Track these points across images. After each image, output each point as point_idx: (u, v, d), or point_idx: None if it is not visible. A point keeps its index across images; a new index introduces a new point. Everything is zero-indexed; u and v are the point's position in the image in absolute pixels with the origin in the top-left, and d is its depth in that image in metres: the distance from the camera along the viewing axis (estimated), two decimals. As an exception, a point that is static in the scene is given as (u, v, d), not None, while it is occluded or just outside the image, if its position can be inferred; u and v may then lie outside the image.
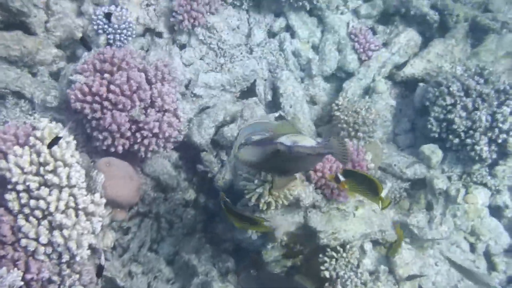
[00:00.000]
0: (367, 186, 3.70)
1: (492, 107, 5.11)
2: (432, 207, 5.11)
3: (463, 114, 5.13)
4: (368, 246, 4.70)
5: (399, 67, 5.75)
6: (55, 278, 3.85)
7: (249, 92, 5.55)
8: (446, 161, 5.33)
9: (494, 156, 5.18)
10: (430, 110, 5.28)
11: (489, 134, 5.09)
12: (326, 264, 4.51)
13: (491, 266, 5.45)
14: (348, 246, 4.54)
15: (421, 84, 5.54)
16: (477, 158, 5.16)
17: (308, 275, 4.79)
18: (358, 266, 4.57)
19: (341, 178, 3.73)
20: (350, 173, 3.77)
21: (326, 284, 4.55)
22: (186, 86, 5.23)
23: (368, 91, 5.62)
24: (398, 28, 5.94)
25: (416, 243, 4.95)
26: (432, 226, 5.00)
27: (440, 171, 5.30)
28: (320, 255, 4.56)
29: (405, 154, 5.39)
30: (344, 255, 4.51)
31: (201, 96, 5.24)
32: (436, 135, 5.27)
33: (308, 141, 3.06)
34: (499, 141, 5.09)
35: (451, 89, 5.18)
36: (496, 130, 5.06)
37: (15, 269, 3.44)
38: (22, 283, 3.39)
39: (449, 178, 5.29)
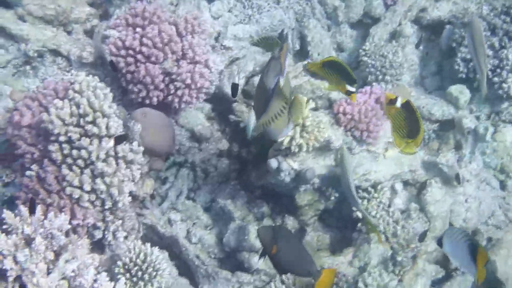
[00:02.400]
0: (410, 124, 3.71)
1: (519, 45, 5.15)
2: (461, 147, 5.18)
3: (490, 53, 5.17)
4: (399, 186, 4.79)
5: (425, 10, 5.78)
6: (99, 224, 4.02)
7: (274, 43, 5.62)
8: (474, 101, 5.39)
9: (522, 93, 5.24)
10: (456, 51, 5.32)
11: (517, 72, 5.15)
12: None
13: (522, 203, 5.54)
14: (379, 187, 4.66)
15: (447, 26, 5.58)
16: (505, 96, 5.22)
17: (338, 217, 4.92)
18: (389, 206, 4.68)
19: (398, 102, 3.69)
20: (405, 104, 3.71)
21: (359, 225, 4.67)
22: (216, 39, 5.32)
23: (395, 35, 5.67)
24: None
25: (447, 182, 5.03)
26: (461, 165, 5.08)
27: (469, 111, 5.36)
28: (352, 196, 4.68)
29: (433, 96, 5.46)
30: (376, 195, 4.63)
31: (231, 48, 5.32)
32: (464, 76, 5.32)
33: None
34: (527, 78, 5.15)
35: (477, 28, 5.22)
36: (524, 67, 5.12)
37: (62, 214, 3.59)
38: (69, 226, 3.54)
39: (478, 117, 5.36)
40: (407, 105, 3.70)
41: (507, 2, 5.49)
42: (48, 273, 3.31)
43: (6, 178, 4.24)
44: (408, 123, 3.69)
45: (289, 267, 3.70)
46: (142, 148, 4.02)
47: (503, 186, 5.41)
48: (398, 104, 3.69)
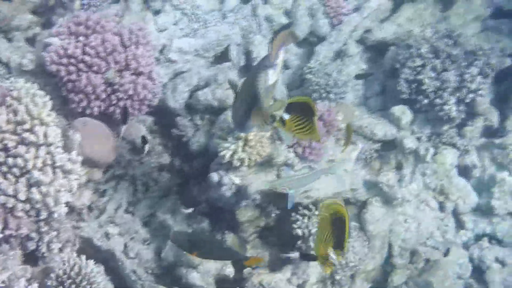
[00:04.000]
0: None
1: (460, 68, 5.22)
2: (402, 167, 5.22)
3: (433, 74, 5.25)
4: (339, 204, 4.78)
5: (370, 31, 5.83)
6: (33, 235, 3.92)
7: (222, 57, 5.60)
8: (416, 122, 5.44)
9: (463, 116, 5.32)
10: (400, 72, 5.38)
11: (458, 94, 5.21)
12: (298, 222, 4.61)
13: (460, 225, 5.60)
14: (320, 204, 4.64)
15: (391, 47, 5.64)
16: (446, 118, 5.29)
17: (278, 235, 4.90)
18: (330, 224, 4.67)
19: (285, 116, 3.52)
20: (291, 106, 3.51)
21: (299, 242, 4.65)
22: (161, 51, 5.28)
23: (340, 54, 5.71)
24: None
25: (386, 201, 5.05)
26: (402, 185, 5.12)
27: (410, 132, 5.41)
28: (293, 214, 4.66)
29: (376, 116, 5.49)
30: (316, 213, 4.61)
31: (176, 61, 5.29)
32: (406, 97, 5.38)
33: None
34: (467, 100, 5.23)
35: (420, 50, 5.30)
36: (464, 90, 5.20)
37: (-7, 223, 3.50)
38: (0, 235, 3.45)
39: (419, 139, 5.41)
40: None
41: (450, 26, 5.59)
42: (-23, 283, 3.21)
43: None
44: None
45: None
46: (80, 158, 3.95)
47: (441, 207, 5.47)
48: (285, 116, 3.52)
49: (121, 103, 4.58)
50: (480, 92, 5.26)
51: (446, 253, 5.29)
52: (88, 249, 4.61)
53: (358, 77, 5.18)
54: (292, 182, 4.04)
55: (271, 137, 4.43)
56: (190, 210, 4.68)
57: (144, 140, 4.38)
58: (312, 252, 4.50)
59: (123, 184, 5.01)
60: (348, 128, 4.42)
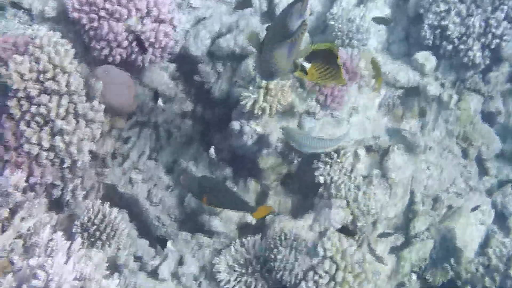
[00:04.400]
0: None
1: (486, 13, 5.13)
2: (425, 114, 5.18)
3: (457, 20, 5.15)
4: (361, 152, 4.78)
5: (394, -25, 5.73)
6: (58, 182, 3.97)
7: (244, 2, 5.54)
8: (440, 68, 5.37)
9: (487, 62, 5.23)
10: (424, 17, 5.29)
11: (483, 40, 5.13)
12: (320, 170, 4.63)
13: (483, 171, 5.59)
14: (342, 152, 4.65)
15: (415, -9, 5.55)
16: (470, 64, 5.21)
17: (300, 182, 4.93)
18: (351, 171, 4.68)
19: (306, 65, 3.55)
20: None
21: (320, 189, 4.68)
22: (182, -3, 5.24)
23: (363, 0, 5.62)
24: None
25: (409, 149, 5.04)
26: (424, 132, 5.09)
27: (434, 78, 5.35)
28: (314, 161, 4.67)
29: (399, 63, 5.43)
30: (338, 160, 4.62)
31: (197, 7, 5.24)
32: (430, 43, 5.29)
33: None
34: (492, 46, 5.14)
35: (446, -5, 5.21)
36: (490, 35, 5.10)
37: (19, 171, 3.54)
38: (25, 183, 3.48)
39: (443, 85, 5.35)
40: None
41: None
42: (3, 230, 3.26)
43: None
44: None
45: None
46: (102, 107, 3.97)
47: (465, 154, 5.44)
48: (306, 65, 3.50)
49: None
50: (505, 37, 5.15)
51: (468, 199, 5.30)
52: (112, 195, 4.68)
53: (376, 20, 5.09)
54: (304, 139, 4.03)
55: (293, 85, 4.41)
56: (213, 154, 4.70)
57: (156, 95, 4.40)
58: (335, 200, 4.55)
59: (146, 131, 5.04)
60: (374, 63, 4.40)
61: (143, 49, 4.35)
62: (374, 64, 4.52)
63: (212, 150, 4.65)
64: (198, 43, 5.04)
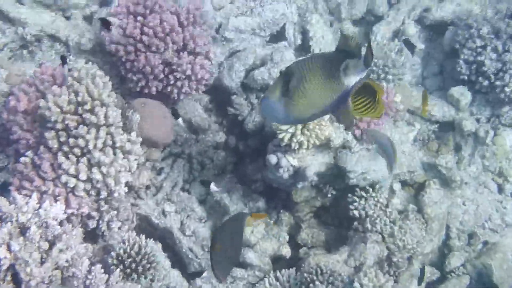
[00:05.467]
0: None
1: (523, 49, 5.13)
2: (460, 149, 5.15)
3: (493, 56, 5.15)
4: (397, 186, 4.76)
5: (429, 10, 5.73)
6: (94, 213, 3.97)
7: (278, 36, 5.57)
8: (475, 103, 5.37)
9: (524, 98, 5.22)
10: (459, 53, 5.29)
11: (519, 76, 5.13)
12: (355, 204, 4.60)
13: (519, 206, 5.53)
14: (377, 186, 4.62)
15: (450, 27, 5.54)
16: (506, 100, 5.19)
17: (334, 215, 4.90)
18: (387, 206, 4.64)
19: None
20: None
21: (355, 223, 4.64)
22: (217, 30, 5.26)
23: (398, 34, 5.63)
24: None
25: (445, 184, 4.99)
26: (460, 167, 5.05)
27: (469, 114, 5.34)
28: (349, 195, 4.64)
29: (434, 97, 5.42)
30: (374, 194, 4.59)
31: (232, 40, 5.28)
32: (465, 78, 5.29)
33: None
34: (529, 82, 5.13)
35: (481, 31, 5.19)
36: (526, 71, 5.10)
37: (58, 203, 3.54)
38: (64, 216, 3.49)
39: (478, 120, 5.33)
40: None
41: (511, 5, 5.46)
42: (42, 262, 3.26)
43: (-1, 163, 4.18)
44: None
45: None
46: (140, 139, 3.97)
47: (500, 189, 5.40)
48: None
49: (179, 83, 4.59)
50: (542, 74, 5.15)
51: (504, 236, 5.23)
52: (145, 226, 4.67)
53: (406, 42, 5.10)
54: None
55: (330, 119, 4.40)
56: (215, 189, 4.70)
57: (175, 113, 4.41)
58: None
59: (180, 162, 5.04)
60: (424, 95, 4.38)
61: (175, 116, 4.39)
62: (424, 95, 4.50)
63: (213, 185, 4.64)
64: (232, 75, 5.06)
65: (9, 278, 3.19)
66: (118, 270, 3.60)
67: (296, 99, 2.90)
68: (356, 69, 2.91)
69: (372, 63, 5.06)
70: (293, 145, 4.20)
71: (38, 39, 4.80)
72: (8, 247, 3.15)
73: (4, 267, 3.14)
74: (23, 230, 3.27)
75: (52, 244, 3.37)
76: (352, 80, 2.95)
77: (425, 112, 4.55)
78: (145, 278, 3.90)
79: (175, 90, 4.65)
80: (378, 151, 4.08)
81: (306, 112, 3.04)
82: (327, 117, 4.33)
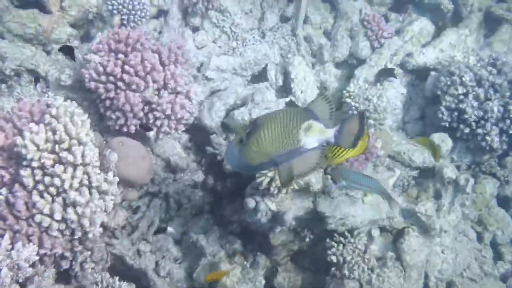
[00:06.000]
0: None
1: (504, 98, 5.14)
2: (440, 196, 5.13)
3: (475, 104, 5.17)
4: (375, 232, 4.72)
5: (411, 55, 5.75)
6: (67, 254, 3.89)
7: (260, 76, 5.56)
8: (456, 150, 5.37)
9: (505, 147, 5.22)
10: (441, 99, 5.31)
11: (501, 125, 5.12)
12: (333, 249, 4.54)
13: (498, 256, 5.50)
14: (355, 232, 4.58)
15: (432, 73, 5.56)
16: (487, 148, 5.21)
17: (312, 259, 4.84)
18: (365, 252, 4.60)
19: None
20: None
21: (333, 269, 4.59)
22: (198, 69, 5.25)
23: (380, 78, 5.63)
24: (411, 16, 5.95)
25: (424, 231, 4.96)
26: (440, 215, 5.03)
27: (449, 160, 5.33)
28: (328, 240, 4.60)
29: (414, 143, 5.41)
30: (352, 240, 4.54)
31: (213, 79, 5.26)
32: (447, 124, 5.29)
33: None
34: (511, 132, 5.13)
35: (463, 78, 5.21)
36: (508, 121, 5.11)
37: (30, 243, 3.46)
38: (37, 257, 3.40)
39: (458, 167, 5.32)
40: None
41: (494, 53, 5.49)
42: (12, 305, 3.18)
43: (-28, 199, 4.07)
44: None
45: None
46: (117, 179, 3.90)
47: (480, 238, 5.38)
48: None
49: (158, 122, 4.55)
50: (524, 123, 5.18)
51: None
52: (120, 266, 4.59)
53: (383, 72, 5.12)
54: (352, 175, 3.98)
55: (309, 164, 4.37)
56: (172, 230, 4.67)
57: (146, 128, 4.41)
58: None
59: (156, 201, 4.98)
60: (431, 143, 4.40)
61: (147, 130, 4.35)
62: (432, 145, 4.55)
63: (170, 229, 4.60)
64: (213, 115, 5.04)
65: (-23, 321, 3.11)
66: (89, 316, 3.52)
67: (249, 145, 2.95)
68: (319, 136, 3.00)
69: (354, 108, 5.09)
70: (271, 189, 4.15)
71: (18, 74, 4.74)
72: (-23, 290, 3.07)
73: (-27, 311, 3.05)
74: (-6, 272, 3.18)
75: (23, 286, 3.29)
76: (310, 142, 3.03)
77: (438, 159, 4.59)
78: (118, 321, 3.82)
79: (154, 129, 4.60)
80: (350, 186, 4.04)
81: (255, 160, 3.11)
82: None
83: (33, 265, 3.42)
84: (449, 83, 5.25)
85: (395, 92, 5.56)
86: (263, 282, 4.69)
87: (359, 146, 3.57)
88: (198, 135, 5.19)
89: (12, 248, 3.32)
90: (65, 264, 3.95)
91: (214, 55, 5.33)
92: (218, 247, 4.81)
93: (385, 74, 5.37)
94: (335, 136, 3.07)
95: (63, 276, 4.03)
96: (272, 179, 4.13)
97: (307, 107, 3.04)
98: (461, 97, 5.20)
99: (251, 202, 4.36)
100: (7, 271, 3.17)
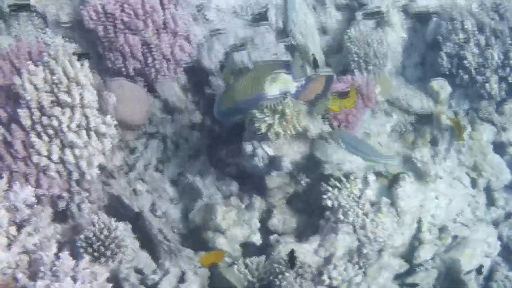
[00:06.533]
0: None
1: (505, 45, 5.11)
2: (437, 143, 5.14)
3: (476, 50, 5.13)
4: (371, 177, 4.73)
5: (414, -1, 5.67)
6: (64, 194, 3.92)
7: (260, 19, 5.50)
8: (454, 97, 5.36)
9: (503, 94, 5.21)
10: (442, 45, 5.26)
11: (500, 72, 5.11)
12: (328, 193, 4.58)
13: (491, 201, 5.55)
14: (351, 177, 4.61)
15: (434, 18, 5.50)
16: (486, 95, 5.19)
17: (306, 203, 4.89)
18: (360, 197, 4.63)
19: None
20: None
21: (327, 213, 4.63)
22: (198, 9, 5.18)
23: (381, 22, 5.57)
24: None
25: (419, 177, 4.99)
26: (435, 161, 5.04)
27: (448, 107, 5.33)
28: (323, 184, 4.63)
29: (413, 88, 5.40)
30: (347, 185, 4.57)
31: (213, 20, 5.19)
32: (447, 71, 5.27)
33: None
34: (510, 79, 5.12)
35: (465, 24, 5.16)
36: (508, 68, 5.08)
37: (28, 185, 3.49)
38: (34, 199, 3.43)
39: (456, 113, 5.32)
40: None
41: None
42: (9, 245, 3.21)
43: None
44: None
45: None
46: (115, 122, 3.91)
47: (474, 184, 5.41)
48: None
49: (157, 64, 4.53)
50: (524, 71, 5.16)
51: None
52: (116, 205, 4.64)
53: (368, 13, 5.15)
54: (351, 141, 4.04)
55: (307, 110, 4.37)
56: None
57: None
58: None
59: (154, 142, 4.99)
60: (457, 123, 4.46)
61: None
62: (456, 122, 4.72)
63: None
64: (212, 57, 5.00)
65: (-26, 262, 3.15)
66: (86, 256, 3.56)
67: (225, 92, 3.17)
68: (282, 86, 3.18)
69: (354, 53, 5.07)
70: (270, 135, 4.15)
71: (15, 11, 4.68)
72: (-25, 231, 3.10)
73: (-30, 252, 3.09)
74: (-9, 214, 3.21)
75: (20, 227, 3.32)
76: (271, 91, 3.21)
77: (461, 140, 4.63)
78: (114, 261, 3.86)
79: (153, 71, 4.59)
80: (348, 149, 4.08)
81: (225, 105, 3.29)
82: (305, 107, 4.30)
83: (30, 206, 3.46)
84: (450, 28, 5.20)
85: (396, 36, 5.51)
86: (258, 224, 4.74)
87: (344, 101, 3.75)
88: (197, 76, 5.16)
89: (9, 189, 3.35)
90: (62, 204, 3.99)
91: (214, -6, 5.25)
92: (214, 189, 4.84)
93: (372, 15, 5.33)
94: (296, 89, 3.23)
95: (59, 215, 4.08)
96: (270, 125, 4.13)
97: (288, 60, 3.23)
98: (462, 43, 5.16)
99: (248, 147, 4.37)
100: (4, 212, 3.20)
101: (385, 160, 4.46)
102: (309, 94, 3.49)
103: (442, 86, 5.24)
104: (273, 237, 4.68)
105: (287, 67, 3.83)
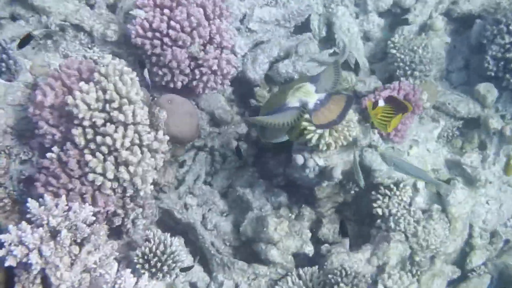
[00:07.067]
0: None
1: (553, 46, 5.07)
2: (485, 147, 5.11)
3: (520, 53, 5.10)
4: (421, 184, 4.71)
5: (456, 3, 5.63)
6: (119, 211, 3.96)
7: (303, 27, 5.51)
8: (501, 100, 5.31)
9: (551, 98, 5.19)
10: (487, 48, 5.22)
11: (549, 74, 5.08)
12: (379, 202, 4.57)
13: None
14: (401, 185, 4.59)
15: (478, 20, 5.46)
16: (533, 98, 5.17)
17: (355, 211, 4.88)
18: (410, 204, 4.62)
19: (381, 103, 3.97)
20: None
21: (378, 221, 4.62)
22: (241, 21, 5.21)
23: (425, 28, 5.55)
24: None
25: (469, 182, 4.96)
26: (485, 166, 5.01)
27: (495, 110, 5.29)
28: (373, 192, 4.62)
29: (459, 92, 5.37)
30: (397, 193, 4.56)
31: (256, 31, 5.21)
32: (493, 74, 5.22)
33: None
34: (558, 83, 5.09)
35: (510, 27, 5.11)
36: (556, 70, 5.05)
37: (86, 204, 3.52)
38: (94, 218, 3.46)
39: (503, 117, 5.28)
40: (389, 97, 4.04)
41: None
42: (71, 264, 3.25)
43: (23, 155, 4.13)
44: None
45: None
46: (167, 137, 3.93)
47: (525, 189, 5.36)
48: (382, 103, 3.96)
49: (205, 78, 4.56)
50: None
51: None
52: (168, 220, 4.69)
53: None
54: (400, 164, 4.03)
55: (357, 118, 4.36)
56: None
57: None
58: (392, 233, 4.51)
59: (202, 155, 5.02)
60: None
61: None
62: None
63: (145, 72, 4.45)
64: (256, 68, 5.03)
65: (38, 281, 3.19)
66: (147, 273, 3.61)
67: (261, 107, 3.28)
68: (303, 97, 3.22)
69: (399, 60, 5.05)
70: (320, 146, 4.15)
71: (62, 29, 4.74)
72: (40, 251, 3.14)
73: (35, 272, 3.13)
74: (54, 233, 3.25)
75: (80, 246, 3.36)
76: (292, 101, 3.25)
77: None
78: (170, 276, 3.90)
79: (201, 85, 4.62)
80: (397, 170, 4.09)
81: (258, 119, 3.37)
82: (356, 117, 4.29)
83: (89, 225, 3.49)
84: (495, 31, 5.16)
85: (439, 41, 5.48)
86: (310, 235, 4.74)
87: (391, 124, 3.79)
88: (241, 87, 5.20)
89: (68, 209, 3.39)
90: (117, 221, 4.03)
91: (257, 6, 5.27)
92: (264, 200, 4.85)
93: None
94: (315, 103, 3.25)
95: (114, 231, 4.13)
96: (321, 136, 4.13)
97: (318, 74, 3.26)
98: (508, 46, 5.11)
99: (300, 159, 4.36)
100: (67, 232, 3.24)
101: (433, 181, 4.45)
102: (324, 114, 3.49)
103: (489, 90, 5.20)
104: (324, 247, 4.67)
105: (314, 78, 3.82)
